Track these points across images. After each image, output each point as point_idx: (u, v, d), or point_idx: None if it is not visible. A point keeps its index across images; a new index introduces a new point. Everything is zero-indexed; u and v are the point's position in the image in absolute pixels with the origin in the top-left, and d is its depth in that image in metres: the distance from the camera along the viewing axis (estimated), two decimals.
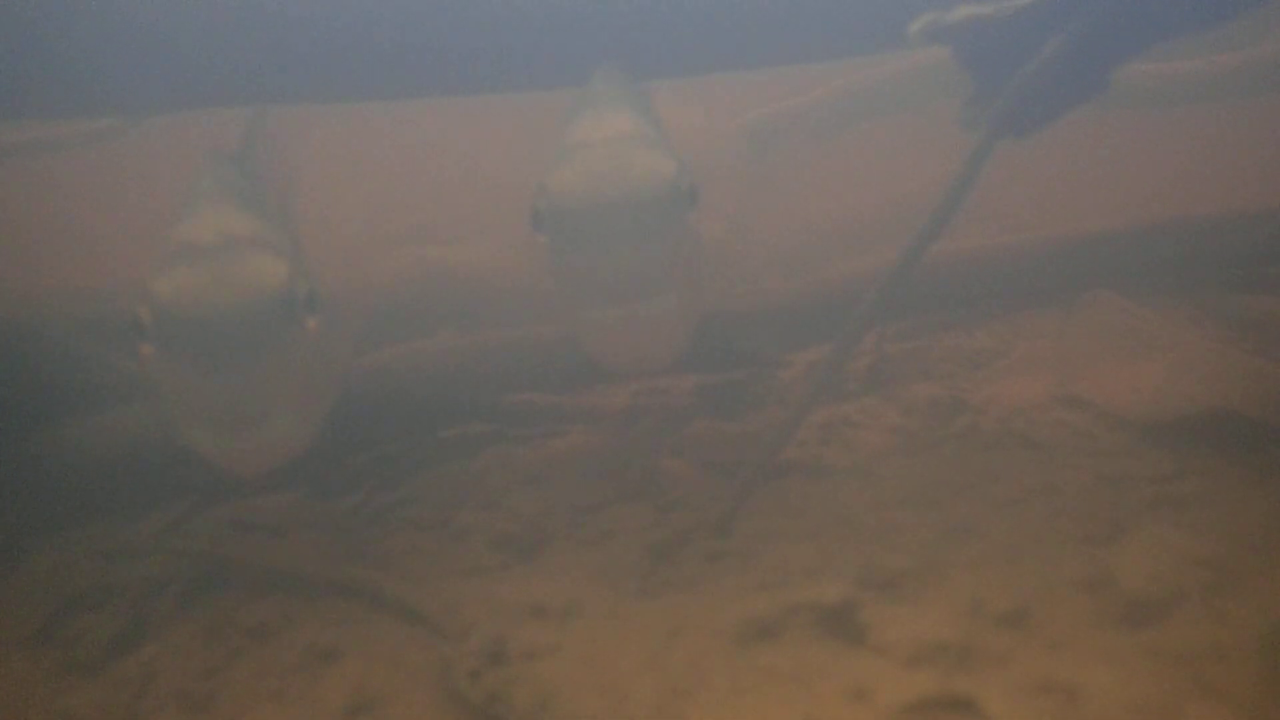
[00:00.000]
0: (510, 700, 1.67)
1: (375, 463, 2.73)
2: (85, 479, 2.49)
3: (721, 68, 3.04)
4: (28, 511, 2.45)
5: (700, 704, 1.59)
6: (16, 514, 2.44)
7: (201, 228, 1.81)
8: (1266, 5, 2.07)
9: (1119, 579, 1.71)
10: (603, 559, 2.12)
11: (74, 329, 2.66)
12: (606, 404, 2.98)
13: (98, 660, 2.02)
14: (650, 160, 1.88)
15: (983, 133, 2.03)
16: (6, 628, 2.11)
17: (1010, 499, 2.06)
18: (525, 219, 1.98)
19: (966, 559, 1.84)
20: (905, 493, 2.20)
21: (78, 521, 2.50)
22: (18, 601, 2.21)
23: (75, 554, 2.34)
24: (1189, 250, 2.79)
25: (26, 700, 1.92)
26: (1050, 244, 2.79)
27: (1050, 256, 2.79)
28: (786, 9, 2.74)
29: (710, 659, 1.69)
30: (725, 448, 2.62)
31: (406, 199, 4.65)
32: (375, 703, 1.78)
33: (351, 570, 2.14)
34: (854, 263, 3.08)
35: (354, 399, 2.44)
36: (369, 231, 4.21)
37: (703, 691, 1.61)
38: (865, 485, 2.28)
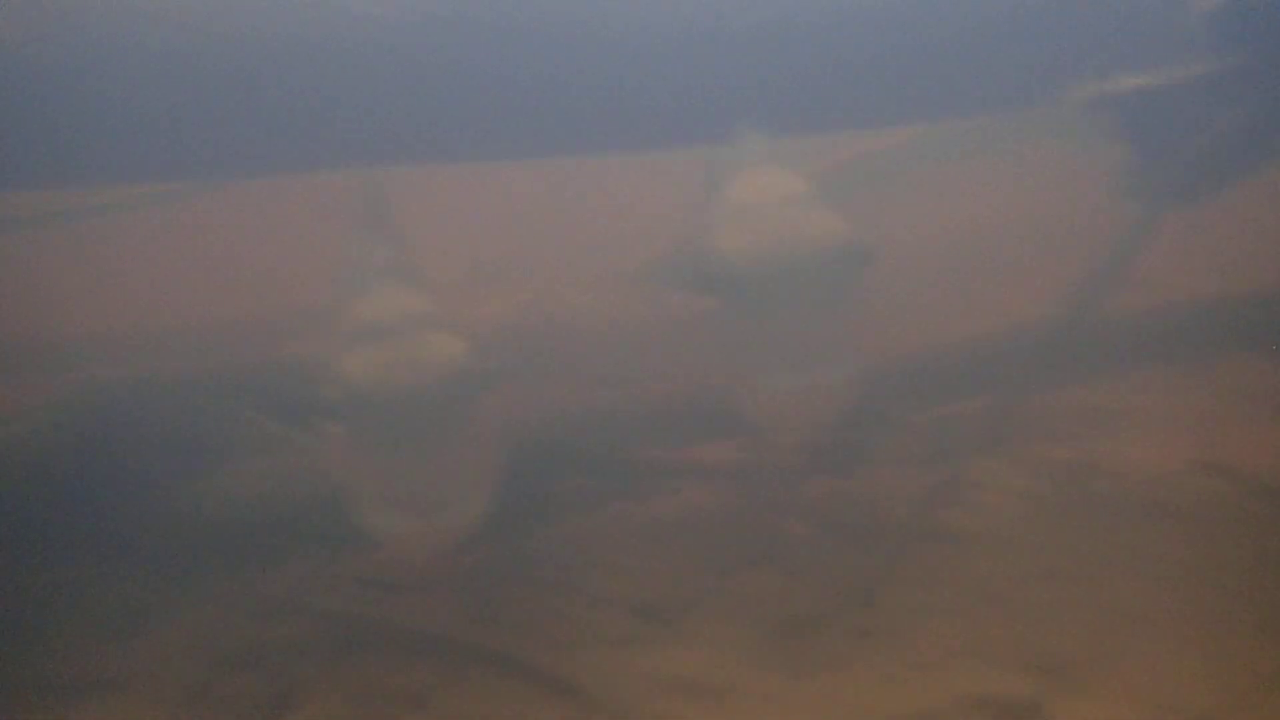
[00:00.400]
0: None
1: (488, 515, 2.75)
2: (224, 532, 2.55)
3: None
4: (173, 565, 2.51)
5: None
6: (164, 567, 2.50)
7: (377, 306, 1.85)
8: None
9: None
10: (745, 632, 2.11)
11: (210, 382, 2.72)
12: (715, 459, 2.98)
13: None
14: (826, 221, 1.89)
15: (1148, 201, 2.00)
16: (166, 685, 2.16)
17: (1169, 577, 2.02)
18: (684, 280, 2.02)
19: (1140, 647, 1.81)
20: (1051, 565, 2.17)
21: (217, 574, 2.55)
22: (169, 659, 2.25)
23: (221, 611, 2.39)
24: None
25: None
26: (1181, 305, 2.75)
27: (1180, 316, 2.75)
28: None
29: None
30: (846, 509, 2.60)
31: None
32: None
33: (500, 638, 2.15)
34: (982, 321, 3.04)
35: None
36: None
37: None
38: (1005, 555, 2.25)
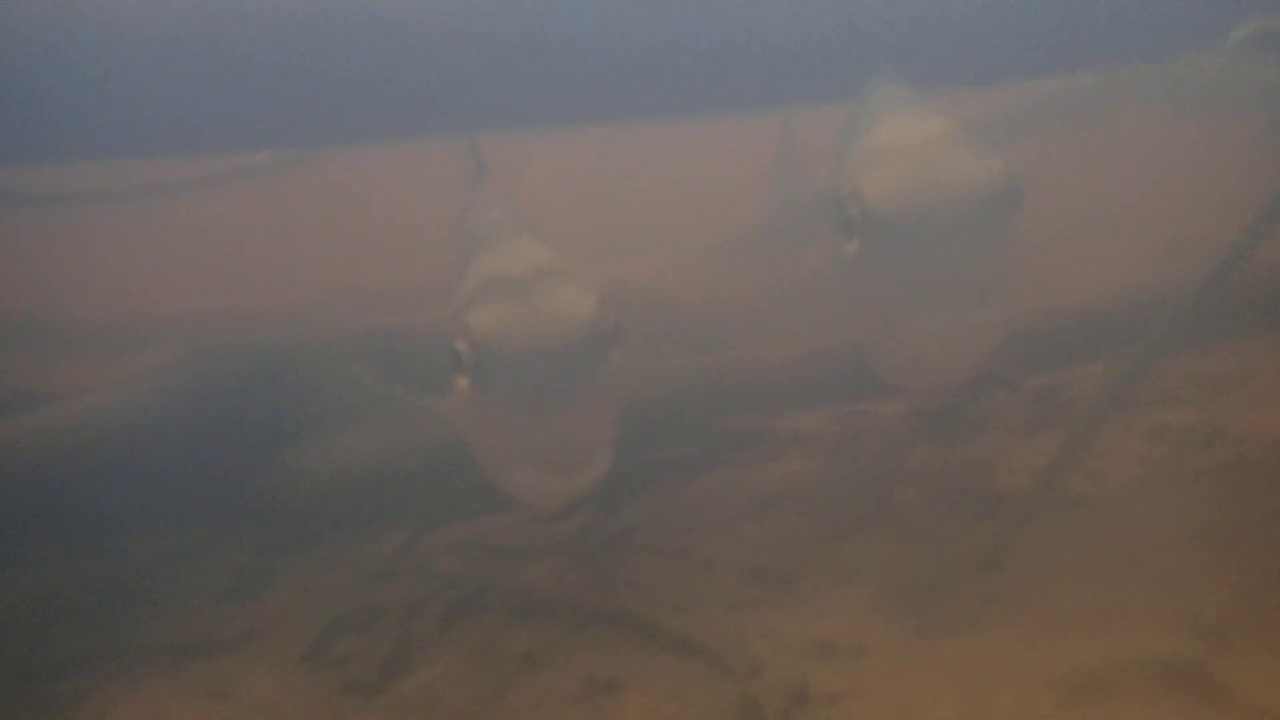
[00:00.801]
0: None
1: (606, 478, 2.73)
2: (326, 499, 2.56)
3: None
4: (276, 530, 2.53)
5: None
6: (267, 532, 2.52)
7: (507, 259, 1.82)
8: None
9: None
10: (869, 595, 2.07)
11: (315, 351, 2.73)
12: (815, 427, 2.93)
13: (375, 683, 2.04)
14: (972, 160, 1.78)
15: None
16: (280, 646, 2.17)
17: None
18: (835, 225, 1.93)
19: None
20: (1184, 529, 2.08)
21: (317, 541, 2.57)
22: (283, 620, 2.27)
23: (328, 575, 2.40)
24: None
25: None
26: None
27: None
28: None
29: (1039, 712, 1.61)
30: (955, 476, 2.54)
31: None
32: None
33: (616, 599, 2.13)
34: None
35: None
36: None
37: None
38: (1132, 520, 2.17)
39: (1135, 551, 2.02)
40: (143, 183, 3.99)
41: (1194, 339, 2.84)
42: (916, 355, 1.89)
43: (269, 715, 1.94)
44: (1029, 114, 4.27)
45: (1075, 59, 2.56)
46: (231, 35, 2.39)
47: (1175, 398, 2.66)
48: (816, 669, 1.81)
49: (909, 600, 2.02)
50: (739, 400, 2.82)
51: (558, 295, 1.71)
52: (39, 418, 2.49)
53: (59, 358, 3.60)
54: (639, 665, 1.96)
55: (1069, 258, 3.50)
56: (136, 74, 2.38)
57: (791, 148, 4.12)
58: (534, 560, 2.40)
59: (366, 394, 2.56)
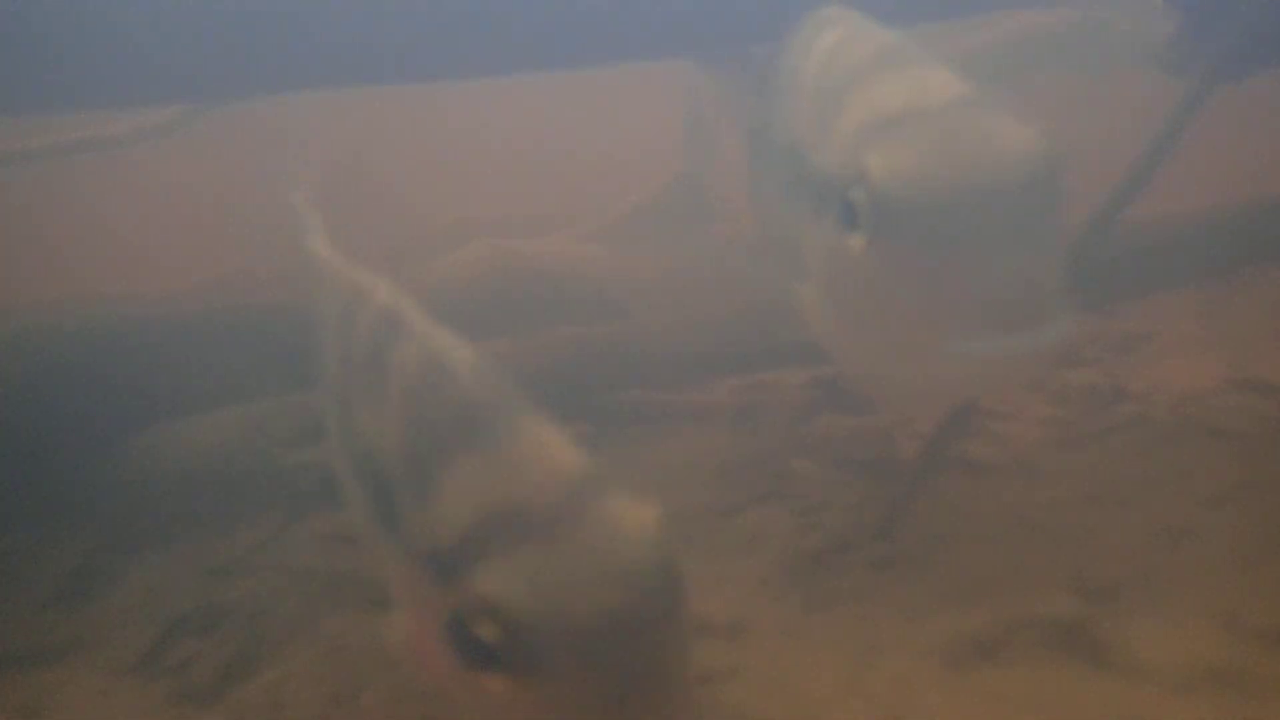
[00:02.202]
0: None
1: None
2: (175, 490, 2.33)
3: None
4: (118, 527, 2.29)
5: None
6: (107, 530, 2.28)
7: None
8: None
9: None
10: (757, 568, 1.93)
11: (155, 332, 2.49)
12: (716, 400, 2.79)
13: (214, 688, 1.84)
14: (1013, 130, 1.36)
15: (1196, 77, 1.81)
16: (110, 654, 1.94)
17: (1218, 496, 1.85)
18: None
19: (1192, 565, 1.63)
20: (1084, 490, 1.99)
21: (170, 537, 2.34)
22: (119, 625, 2.04)
23: (175, 572, 2.18)
24: None
25: None
26: (1198, 214, 2.57)
27: (1198, 228, 2.57)
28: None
29: (921, 682, 1.49)
30: (856, 444, 2.42)
31: (471, 187, 4.49)
32: None
33: None
34: None
35: None
36: (438, 222, 4.05)
37: None
38: (1032, 483, 2.07)
39: (1031, 514, 1.92)
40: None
41: (1101, 295, 2.79)
42: (946, 381, 1.46)
43: None
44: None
45: None
46: None
47: (1079, 358, 2.59)
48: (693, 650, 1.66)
49: (797, 573, 1.89)
50: (637, 372, 2.67)
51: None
52: None
53: None
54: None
55: None
56: None
57: (699, 120, 3.99)
58: None
59: (225, 376, 2.34)
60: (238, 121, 3.66)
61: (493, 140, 4.84)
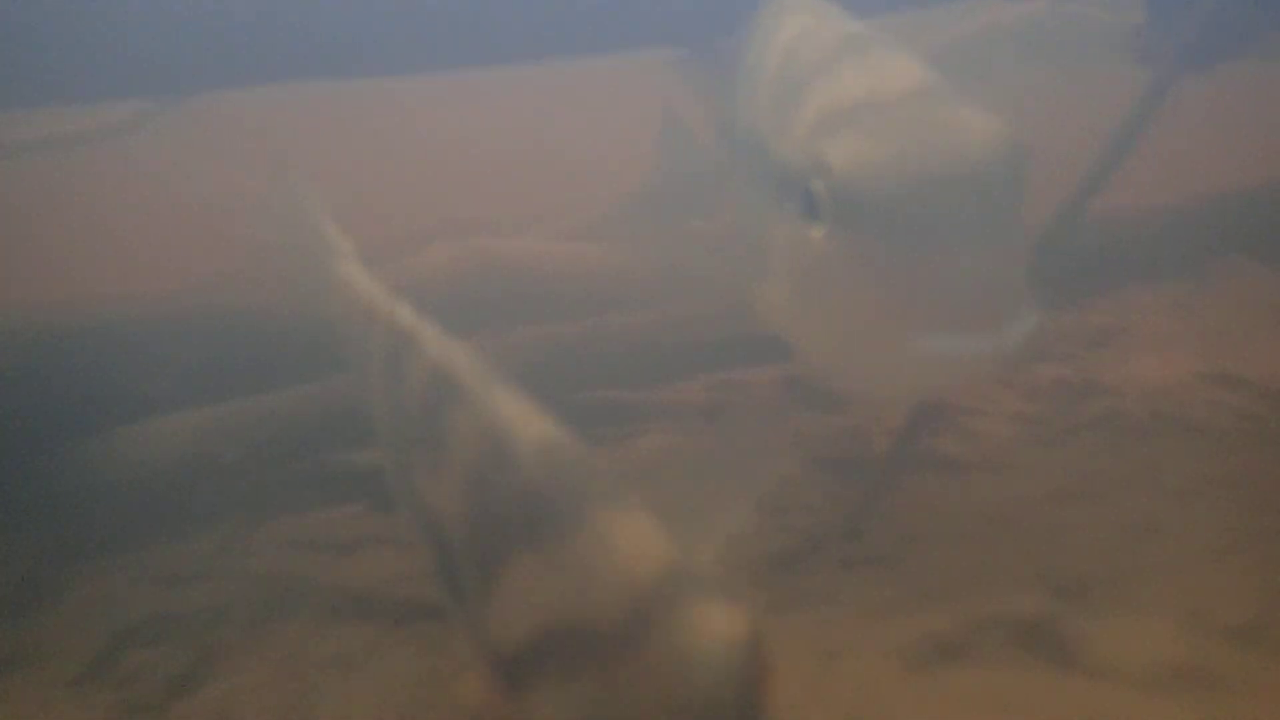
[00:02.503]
0: None
1: None
2: (131, 496, 2.26)
3: None
4: (67, 535, 2.22)
5: None
6: (55, 538, 2.21)
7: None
8: None
9: None
10: (723, 570, 1.88)
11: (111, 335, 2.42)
12: (686, 399, 2.75)
13: (159, 701, 1.77)
14: (976, 120, 1.33)
15: (1160, 65, 1.78)
16: (53, 666, 1.87)
17: (1188, 491, 1.82)
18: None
19: (1161, 562, 1.60)
20: (1054, 487, 1.96)
21: (122, 545, 2.27)
22: (64, 636, 1.96)
23: (124, 581, 2.11)
24: None
25: None
26: (1170, 206, 2.55)
27: (1170, 221, 2.55)
28: None
29: (885, 684, 1.45)
30: (830, 443, 2.39)
31: (445, 186, 4.42)
32: None
33: (435, 589, 1.90)
34: None
35: None
36: (415, 221, 3.98)
37: None
38: (1005, 480, 2.04)
39: (1000, 511, 1.88)
40: None
41: (1072, 289, 2.77)
42: (908, 376, 1.43)
43: None
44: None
45: None
46: None
47: (1052, 353, 2.56)
48: None
49: (765, 575, 1.84)
50: (608, 371, 2.63)
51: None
52: None
53: None
54: (458, 662, 1.73)
55: None
56: None
57: (675, 119, 3.94)
58: (361, 553, 2.15)
59: (185, 378, 2.28)
60: (201, 118, 3.59)
61: (475, 138, 4.78)
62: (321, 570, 2.08)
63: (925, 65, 1.48)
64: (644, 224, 3.87)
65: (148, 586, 2.09)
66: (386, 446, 1.41)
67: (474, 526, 1.08)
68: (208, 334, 2.51)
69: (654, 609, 0.90)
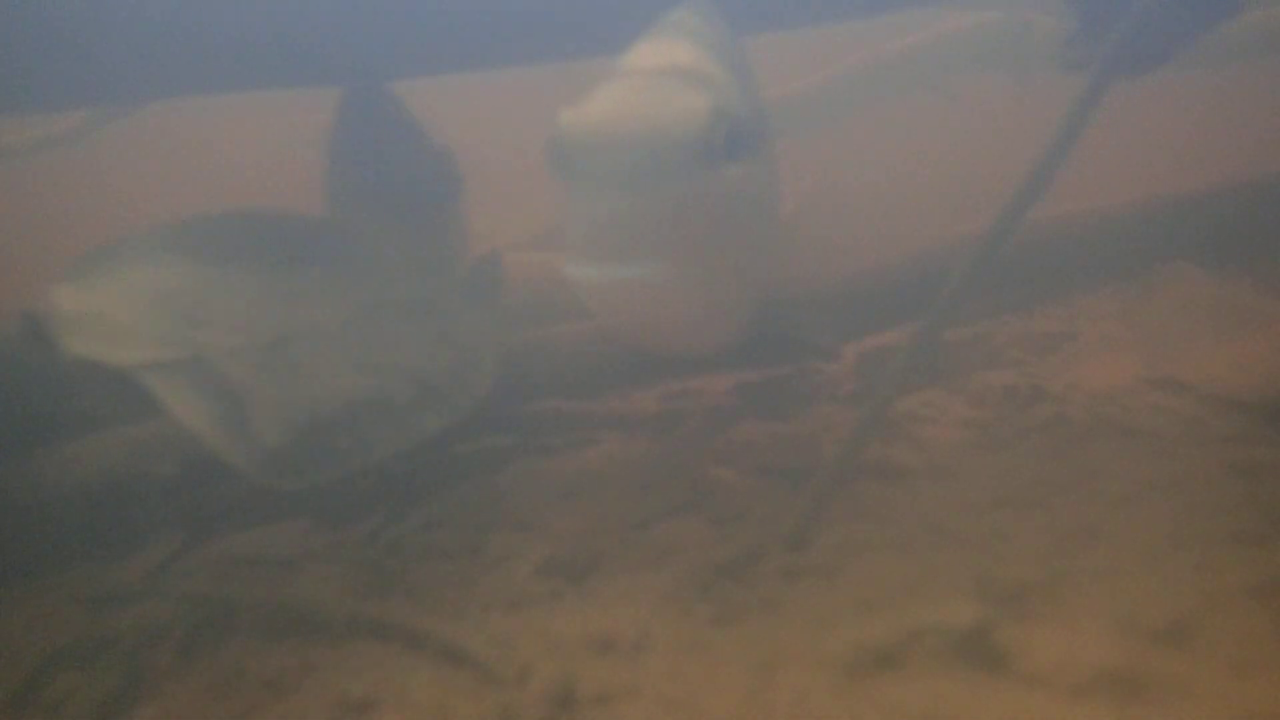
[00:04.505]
0: None
1: (385, 484, 2.46)
2: (62, 515, 2.20)
3: None
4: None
5: None
6: None
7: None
8: None
9: None
10: (665, 582, 1.86)
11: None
12: (638, 409, 2.73)
13: None
14: (684, 96, 1.62)
15: (1092, 73, 1.80)
16: None
17: (1128, 496, 1.83)
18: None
19: (1097, 567, 1.60)
20: (998, 493, 1.96)
21: (55, 565, 2.21)
22: None
23: (55, 602, 2.05)
24: (1262, 216, 2.58)
25: None
26: (1116, 212, 2.57)
27: (1117, 226, 2.57)
28: None
29: (821, 695, 1.43)
30: (779, 452, 2.38)
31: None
32: None
33: (379, 606, 1.87)
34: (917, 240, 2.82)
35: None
36: None
37: None
38: (949, 487, 2.04)
39: (943, 518, 1.88)
40: None
41: (1015, 296, 2.78)
42: (612, 307, 1.78)
43: None
44: (877, 74, 4.21)
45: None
46: None
47: (1001, 359, 2.58)
48: (589, 669, 1.60)
49: (707, 586, 1.83)
50: (558, 380, 2.60)
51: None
52: None
53: None
54: (399, 680, 1.70)
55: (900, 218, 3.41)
56: None
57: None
58: (305, 570, 2.11)
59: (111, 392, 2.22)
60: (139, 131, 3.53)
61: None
62: (261, 588, 2.04)
63: (709, 53, 1.78)
64: None
65: (78, 608, 2.03)
66: None
67: None
68: None
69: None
